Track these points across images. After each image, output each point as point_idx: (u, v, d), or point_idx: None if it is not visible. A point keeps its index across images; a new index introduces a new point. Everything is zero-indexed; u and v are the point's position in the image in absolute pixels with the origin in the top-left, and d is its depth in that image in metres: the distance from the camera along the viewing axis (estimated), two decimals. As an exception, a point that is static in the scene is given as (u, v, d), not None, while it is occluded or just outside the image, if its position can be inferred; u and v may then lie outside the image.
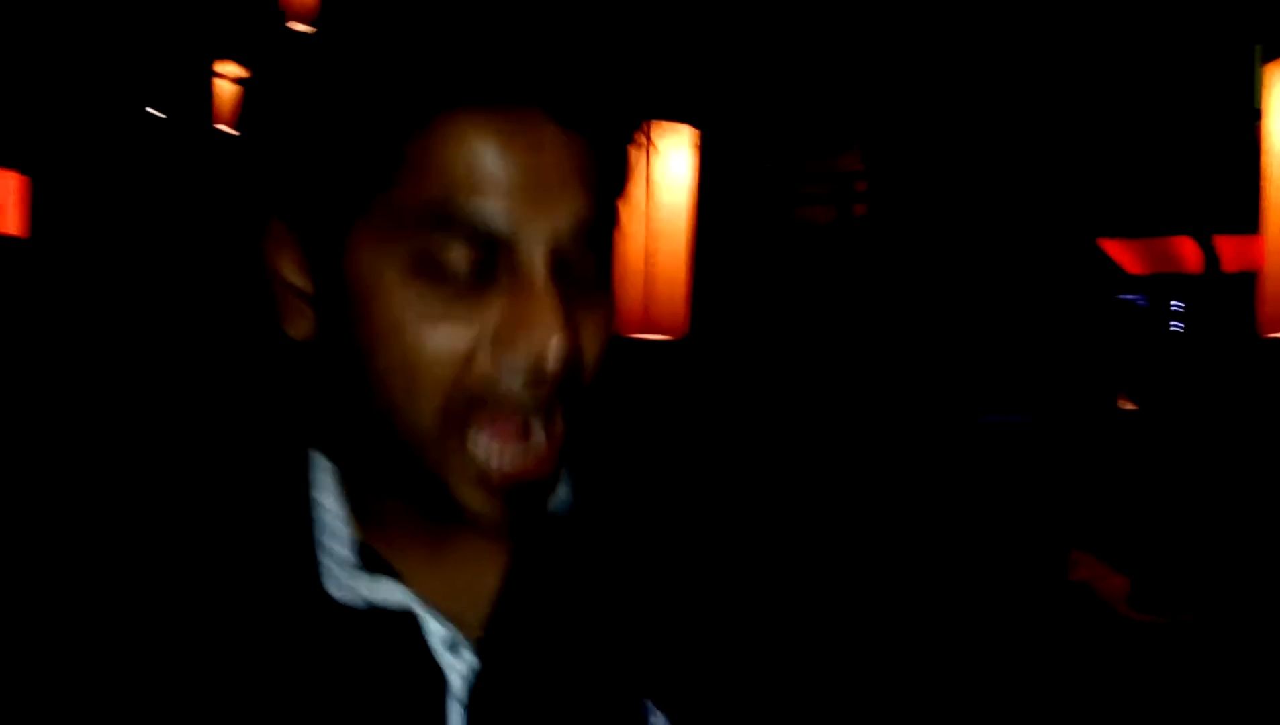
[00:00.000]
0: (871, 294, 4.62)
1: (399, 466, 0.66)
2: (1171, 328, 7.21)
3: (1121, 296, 7.29)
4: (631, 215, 3.12)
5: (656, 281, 2.95)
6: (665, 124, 2.91)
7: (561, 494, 0.73)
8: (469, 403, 0.63)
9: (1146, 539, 3.09)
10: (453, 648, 0.68)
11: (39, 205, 5.19)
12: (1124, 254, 7.12)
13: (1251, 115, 2.96)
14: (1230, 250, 6.11)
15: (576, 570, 0.72)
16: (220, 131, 5.37)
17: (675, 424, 3.90)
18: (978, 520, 3.17)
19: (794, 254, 4.80)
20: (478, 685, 0.68)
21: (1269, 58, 2.94)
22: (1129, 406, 4.29)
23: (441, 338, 0.62)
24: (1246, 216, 3.08)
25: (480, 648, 0.69)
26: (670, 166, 2.93)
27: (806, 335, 4.43)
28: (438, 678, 0.68)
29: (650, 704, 0.71)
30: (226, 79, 5.35)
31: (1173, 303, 7.23)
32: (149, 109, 6.36)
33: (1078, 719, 2.91)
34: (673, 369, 3.78)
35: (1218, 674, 2.88)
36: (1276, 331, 3.06)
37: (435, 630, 0.68)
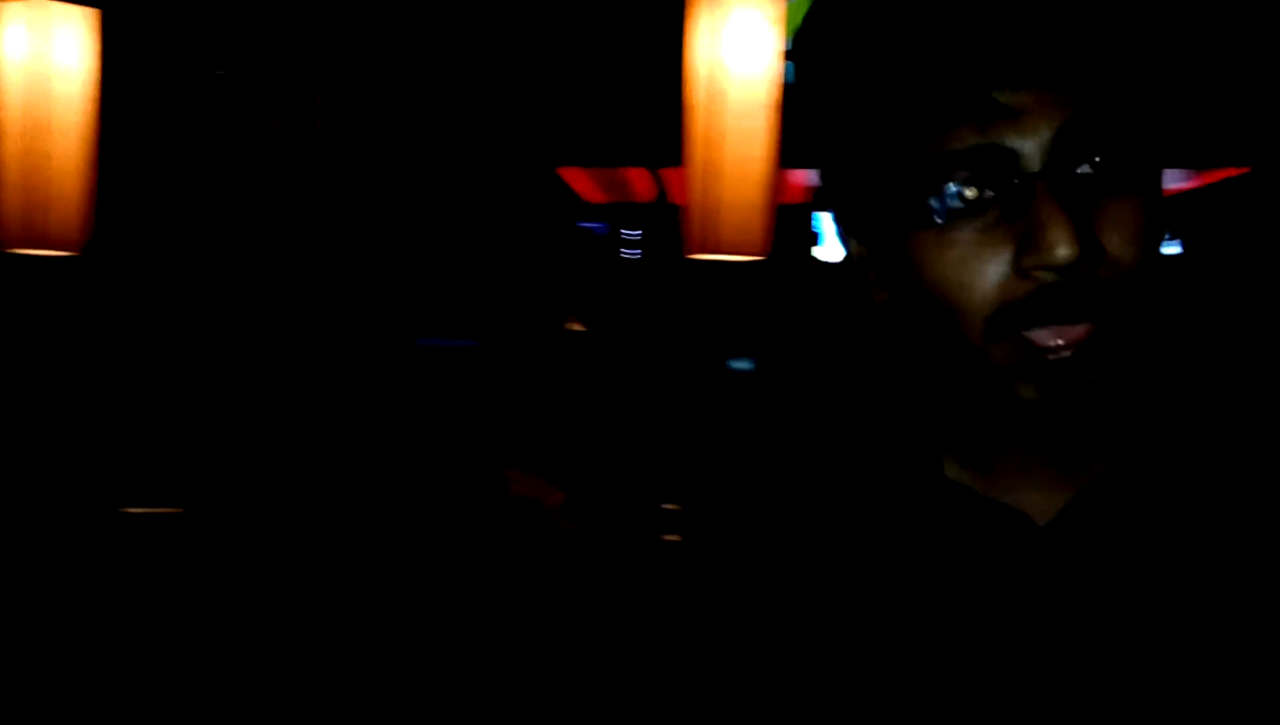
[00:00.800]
0: (324, 211, 4.41)
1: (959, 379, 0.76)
2: (625, 254, 7.66)
3: (581, 224, 7.63)
4: (15, 110, 2.66)
5: (49, 185, 2.55)
6: (53, 2, 2.50)
7: None
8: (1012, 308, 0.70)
9: (580, 455, 3.21)
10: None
11: None
12: (583, 183, 7.44)
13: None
14: (677, 181, 6.58)
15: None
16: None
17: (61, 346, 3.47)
18: (418, 441, 3.12)
19: (245, 165, 4.46)
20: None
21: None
22: (578, 328, 4.45)
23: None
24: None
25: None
26: (60, 52, 2.53)
27: (244, 250, 4.13)
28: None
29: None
30: None
31: (626, 231, 7.68)
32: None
33: (531, 620, 2.97)
34: (68, 287, 3.34)
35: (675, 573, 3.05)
36: (697, 254, 3.26)
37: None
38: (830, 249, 7.20)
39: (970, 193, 0.68)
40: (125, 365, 3.48)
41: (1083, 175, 0.68)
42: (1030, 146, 0.67)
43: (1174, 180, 5.00)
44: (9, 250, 2.51)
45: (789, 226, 7.42)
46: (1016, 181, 0.67)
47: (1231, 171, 4.76)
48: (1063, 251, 0.65)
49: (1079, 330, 0.68)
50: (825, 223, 5.89)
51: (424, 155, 4.86)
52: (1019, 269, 0.68)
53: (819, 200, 6.53)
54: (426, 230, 4.60)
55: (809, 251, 4.78)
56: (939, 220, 0.69)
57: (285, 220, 4.24)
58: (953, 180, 0.68)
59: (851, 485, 0.84)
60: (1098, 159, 0.68)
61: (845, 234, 0.81)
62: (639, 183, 7.15)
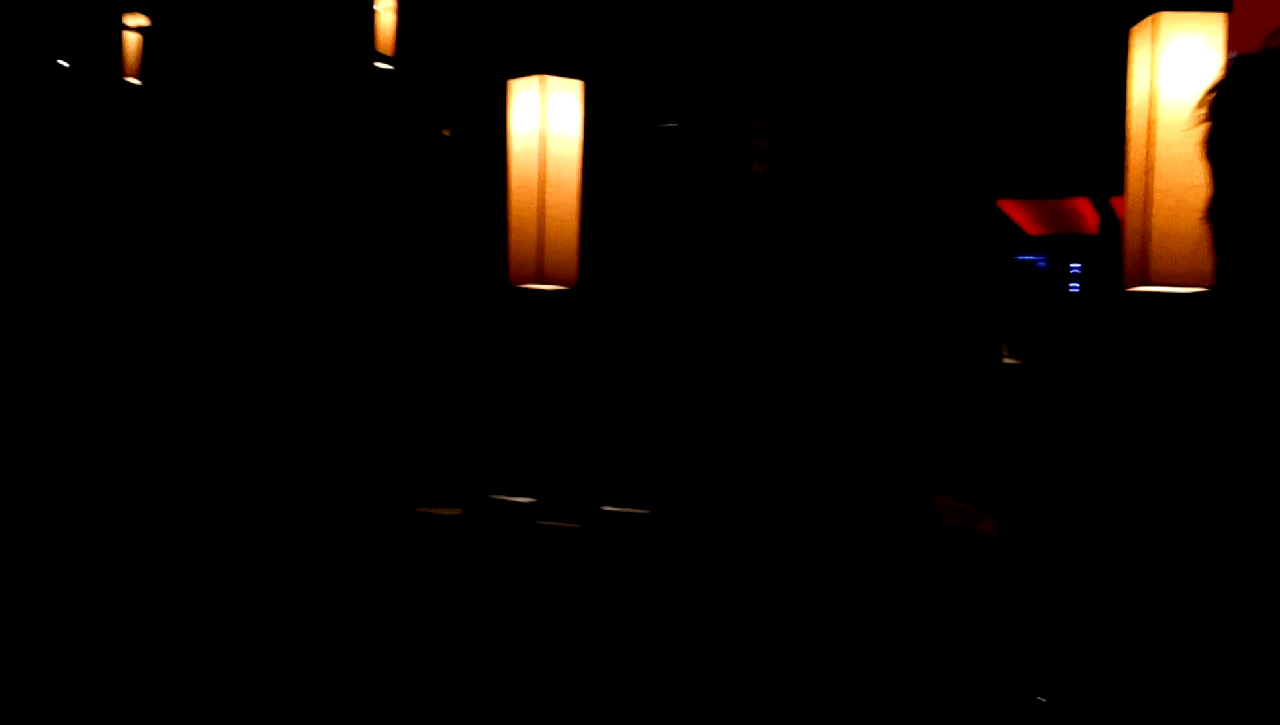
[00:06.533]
0: (770, 251, 4.76)
1: None
2: (1071, 288, 7.45)
3: (1021, 257, 7.52)
4: (525, 171, 3.20)
5: (548, 233, 3.05)
6: (552, 78, 3.00)
7: None
8: None
9: (1016, 484, 3.26)
10: None
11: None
12: (1023, 215, 7.34)
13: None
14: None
15: None
16: (128, 84, 5.34)
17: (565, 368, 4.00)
18: (839, 469, 3.31)
19: (695, 209, 4.92)
20: None
21: (1130, 22, 3.08)
22: (1011, 361, 4.47)
23: None
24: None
25: None
26: (559, 120, 3.03)
27: (703, 288, 4.55)
28: None
29: None
30: (133, 30, 5.32)
31: (1071, 263, 7.47)
32: (58, 61, 6.27)
33: (968, 652, 3.07)
34: (566, 316, 3.88)
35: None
36: (1136, 286, 3.22)
37: None
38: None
39: None
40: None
41: None
42: None
43: None
44: (520, 285, 3.03)
45: None
46: None
47: None
48: None
49: None
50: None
51: (865, 193, 5.09)
52: None
53: None
54: (868, 259, 4.83)
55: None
56: None
57: (732, 255, 4.63)
58: None
59: None
60: None
61: None
62: (1083, 213, 6.96)
